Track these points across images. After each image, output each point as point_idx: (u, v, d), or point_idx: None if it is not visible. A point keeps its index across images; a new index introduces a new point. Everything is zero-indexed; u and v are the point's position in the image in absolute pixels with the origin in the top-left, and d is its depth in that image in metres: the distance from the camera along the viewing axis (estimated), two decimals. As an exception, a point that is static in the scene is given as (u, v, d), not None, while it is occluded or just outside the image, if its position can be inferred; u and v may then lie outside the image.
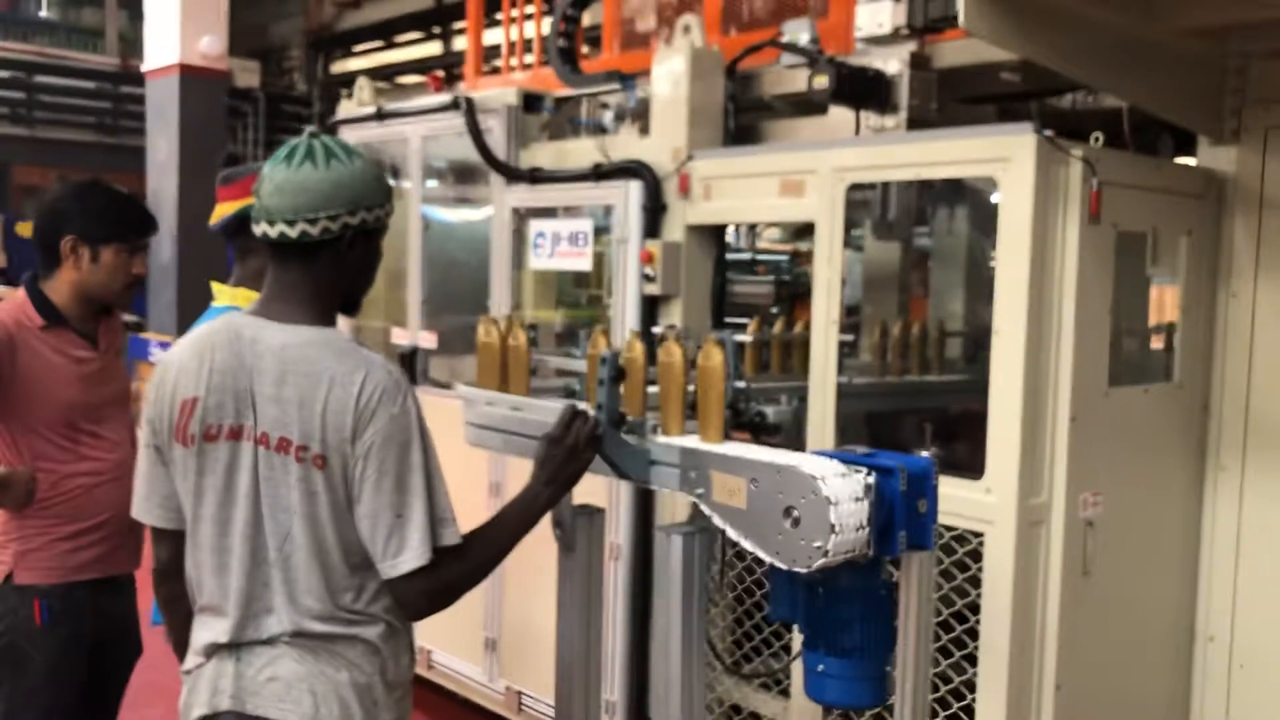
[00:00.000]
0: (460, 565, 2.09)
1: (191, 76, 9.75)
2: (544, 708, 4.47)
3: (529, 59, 5.92)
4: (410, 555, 2.01)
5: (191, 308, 9.10)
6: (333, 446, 2.00)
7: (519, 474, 4.36)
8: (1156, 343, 4.02)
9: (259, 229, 2.07)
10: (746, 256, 5.23)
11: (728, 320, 4.10)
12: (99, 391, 3.14)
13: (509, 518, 2.21)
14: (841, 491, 2.02)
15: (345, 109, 5.37)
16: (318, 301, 2.10)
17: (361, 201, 2.06)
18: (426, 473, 2.04)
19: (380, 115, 4.97)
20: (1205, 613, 3.64)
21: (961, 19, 2.68)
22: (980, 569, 3.10)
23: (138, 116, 12.03)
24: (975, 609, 3.17)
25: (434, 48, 12.94)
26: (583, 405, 2.39)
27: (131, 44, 14.50)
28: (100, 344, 3.16)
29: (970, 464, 3.19)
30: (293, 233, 2.03)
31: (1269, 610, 3.52)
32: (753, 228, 5.87)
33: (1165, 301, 4.56)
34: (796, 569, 2.03)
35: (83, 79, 13.74)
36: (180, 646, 2.29)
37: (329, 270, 2.09)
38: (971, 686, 3.17)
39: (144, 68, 10.38)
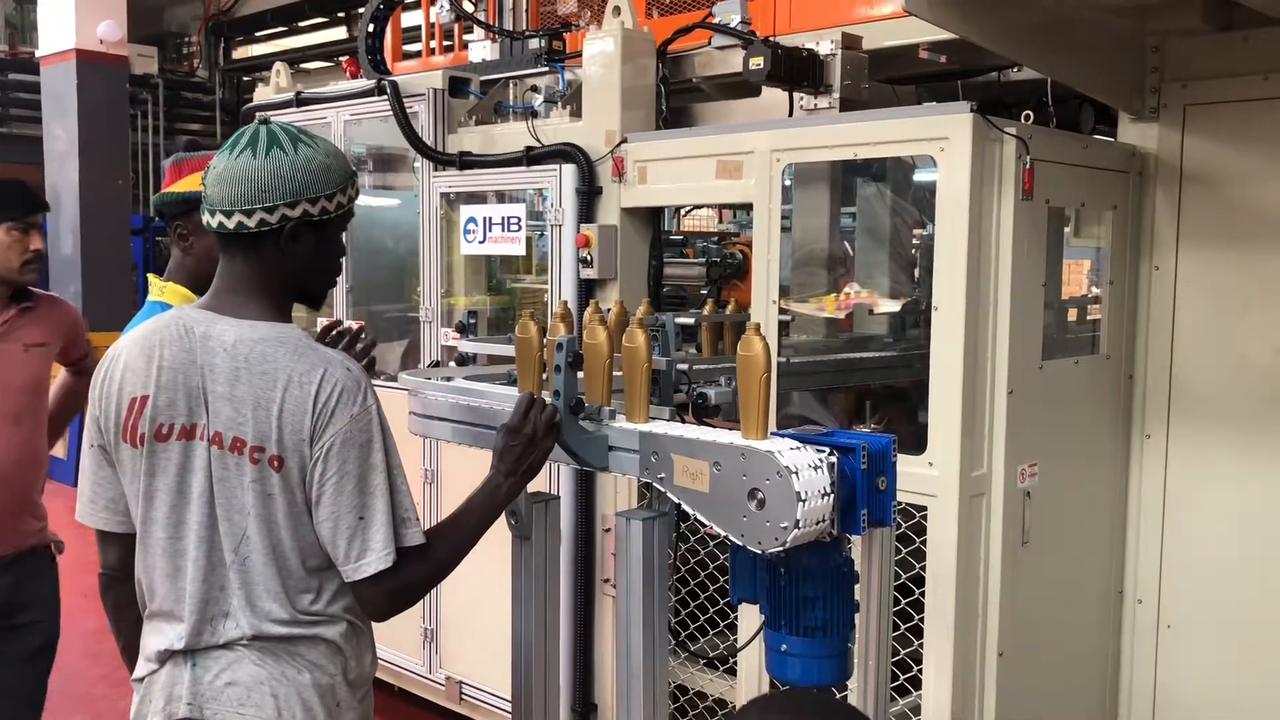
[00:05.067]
0: (423, 565, 2.05)
1: (89, 62, 9.40)
2: (486, 696, 4.45)
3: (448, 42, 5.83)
4: (373, 558, 1.97)
5: (96, 301, 8.88)
6: (290, 448, 1.95)
7: (454, 462, 4.36)
8: (1073, 316, 4.13)
9: (205, 218, 2.02)
10: (677, 239, 5.23)
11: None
12: None
13: (471, 512, 2.17)
14: (800, 461, 2.03)
15: (261, 94, 5.23)
16: (267, 295, 2.04)
17: (303, 193, 1.98)
18: (388, 472, 1.99)
19: (300, 101, 4.86)
20: (1133, 576, 3.76)
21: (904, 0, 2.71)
22: (924, 542, 3.15)
23: (29, 105, 11.59)
24: (917, 582, 3.22)
25: (339, 32, 12.68)
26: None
27: (19, 29, 13.95)
28: None
29: (908, 439, 3.23)
30: (230, 224, 1.97)
31: (1193, 572, 3.65)
32: (678, 211, 5.88)
33: (1078, 275, 4.69)
34: (765, 550, 2.03)
35: (-33, 66, 13.17)
36: (129, 653, 2.22)
37: (273, 263, 2.02)
38: (917, 659, 3.23)
39: (38, 54, 9.98)
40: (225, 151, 2.00)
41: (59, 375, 3.70)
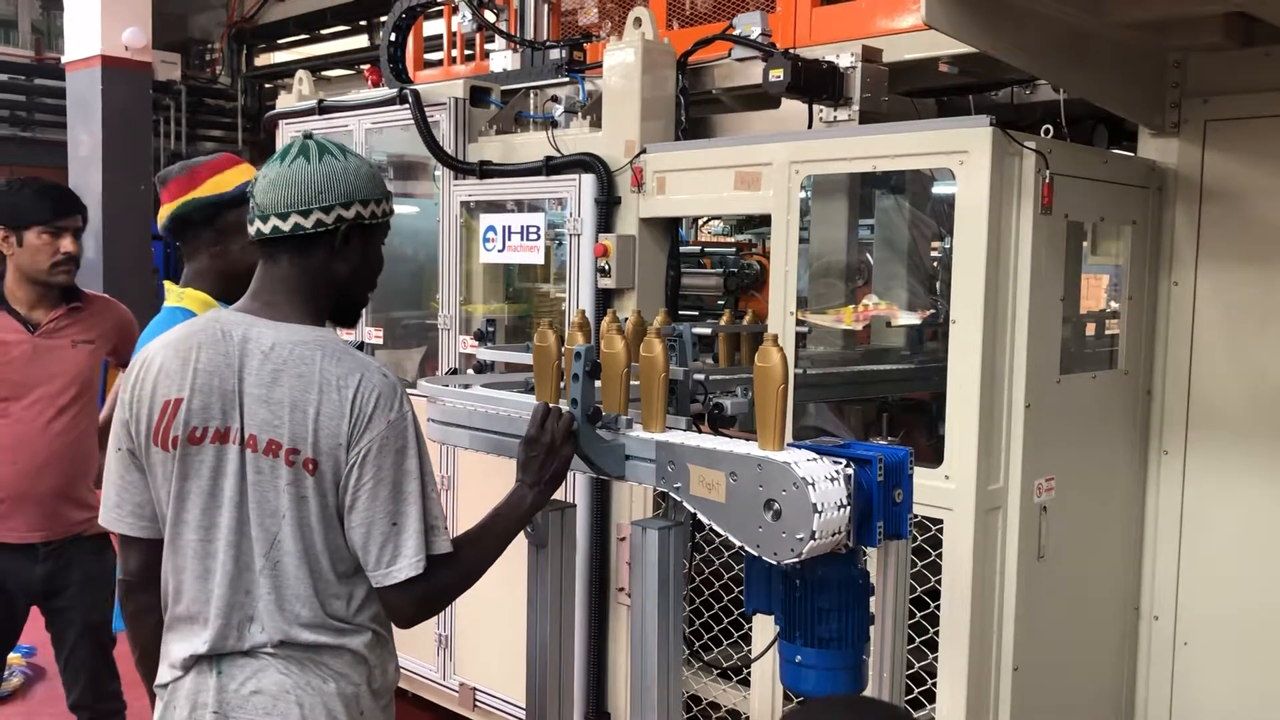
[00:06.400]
0: (451, 573, 2.06)
1: (114, 69, 9.48)
2: (499, 703, 4.45)
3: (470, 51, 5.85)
4: (405, 564, 1.98)
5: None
6: (325, 451, 1.96)
7: (470, 469, 4.37)
8: (1091, 330, 4.11)
9: (253, 228, 2.04)
10: (694, 250, 5.23)
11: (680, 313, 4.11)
12: (24, 370, 3.49)
13: (498, 522, 2.20)
14: (816, 473, 2.03)
15: (283, 101, 5.27)
16: (308, 300, 2.05)
17: (356, 195, 2.03)
18: (421, 479, 2.01)
19: (322, 108, 4.89)
20: (1150, 592, 3.74)
21: (924, 13, 2.71)
22: (939, 555, 3.15)
23: (54, 110, 11.69)
24: (933, 595, 3.22)
25: (360, 40, 12.75)
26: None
27: (45, 35, 14.08)
28: (42, 327, 3.53)
29: (925, 452, 3.23)
30: (285, 225, 2.00)
31: (1210, 589, 3.63)
32: (695, 221, 5.89)
33: (1096, 290, 4.67)
34: (780, 561, 2.04)
35: (-5, 71, 13.29)
36: (145, 660, 2.22)
37: (321, 266, 2.04)
38: (931, 672, 3.22)
39: (64, 59, 10.07)
40: (275, 162, 2.04)
41: (116, 380, 3.76)
